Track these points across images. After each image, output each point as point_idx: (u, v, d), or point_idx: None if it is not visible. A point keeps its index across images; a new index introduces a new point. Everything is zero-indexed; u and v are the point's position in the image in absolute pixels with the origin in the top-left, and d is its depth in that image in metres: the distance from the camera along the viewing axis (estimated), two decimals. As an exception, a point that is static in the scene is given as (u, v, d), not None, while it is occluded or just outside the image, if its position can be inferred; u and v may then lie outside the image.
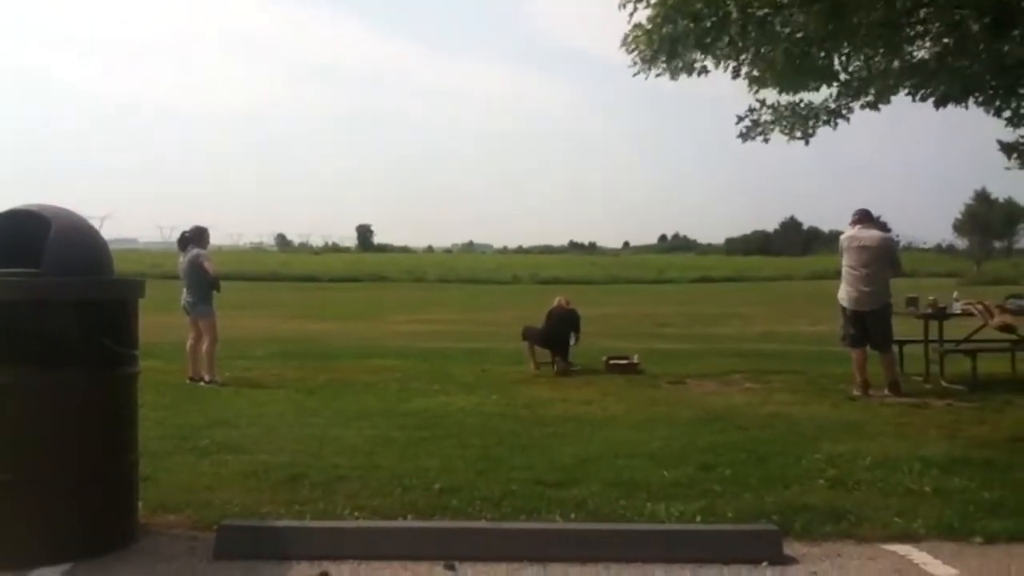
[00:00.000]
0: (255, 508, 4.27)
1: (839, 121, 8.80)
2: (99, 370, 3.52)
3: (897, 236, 9.40)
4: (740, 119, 8.93)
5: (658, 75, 7.95)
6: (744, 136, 9.01)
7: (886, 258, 8.15)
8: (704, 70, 7.89)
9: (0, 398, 3.37)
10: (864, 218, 8.30)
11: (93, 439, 3.53)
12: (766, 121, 8.89)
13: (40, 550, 3.38)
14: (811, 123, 8.83)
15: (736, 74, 8.13)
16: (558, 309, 10.28)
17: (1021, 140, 8.74)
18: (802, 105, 8.79)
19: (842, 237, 8.40)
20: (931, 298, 9.19)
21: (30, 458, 3.41)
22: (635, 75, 7.92)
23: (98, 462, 3.54)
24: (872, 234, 8.18)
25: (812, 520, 4.15)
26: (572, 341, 9.93)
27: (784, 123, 8.87)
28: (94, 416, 3.54)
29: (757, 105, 8.81)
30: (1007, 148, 8.75)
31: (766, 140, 8.94)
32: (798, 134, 8.91)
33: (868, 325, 8.10)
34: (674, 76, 7.95)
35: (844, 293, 8.28)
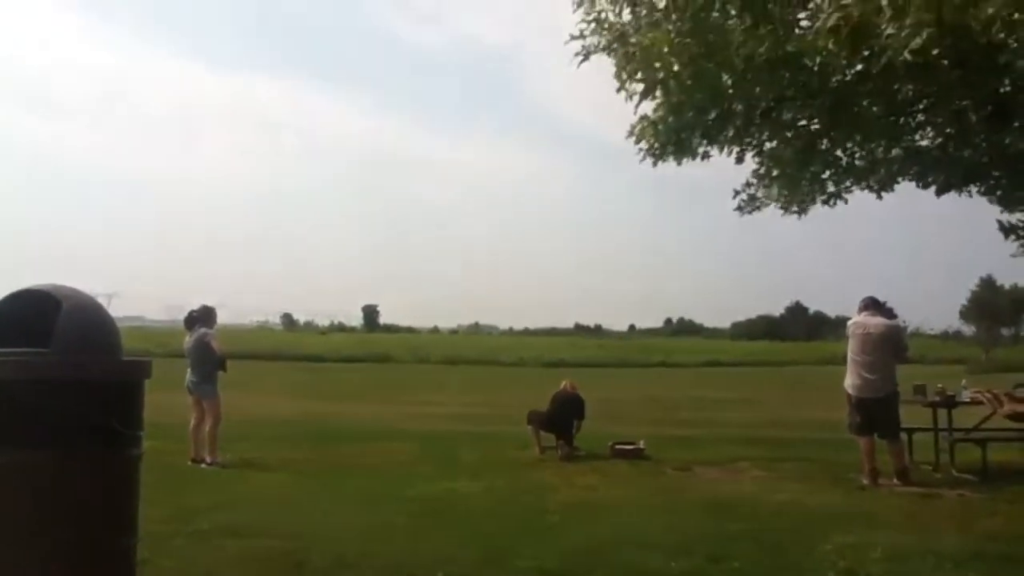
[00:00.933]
0: (254, 595, 4.19)
1: (837, 201, 8.91)
2: (104, 451, 3.50)
3: (904, 322, 9.39)
4: (737, 193, 9.06)
5: (663, 160, 8.09)
6: (741, 209, 9.13)
7: (891, 345, 8.13)
8: (706, 155, 8.04)
9: (3, 477, 3.34)
10: (870, 305, 8.33)
11: (94, 521, 3.48)
12: (763, 197, 9.02)
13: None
14: (807, 201, 8.96)
15: (740, 160, 8.27)
16: (563, 393, 10.24)
17: (1021, 223, 8.80)
18: (804, 186, 8.91)
19: (849, 324, 8.43)
20: (939, 386, 9.13)
21: (28, 538, 3.36)
22: (641, 161, 8.07)
23: (98, 545, 3.48)
24: (877, 321, 8.18)
25: (824, 614, 4.05)
26: (576, 427, 9.86)
27: (780, 200, 9.00)
28: (96, 498, 3.50)
29: (755, 180, 8.93)
30: (1007, 230, 8.81)
31: (759, 209, 9.08)
32: (794, 209, 9.04)
33: (874, 413, 8.04)
34: (678, 162, 8.11)
35: (849, 380, 8.26)
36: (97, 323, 3.74)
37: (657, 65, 6.69)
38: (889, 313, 8.48)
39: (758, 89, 6.94)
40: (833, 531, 5.84)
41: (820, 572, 4.80)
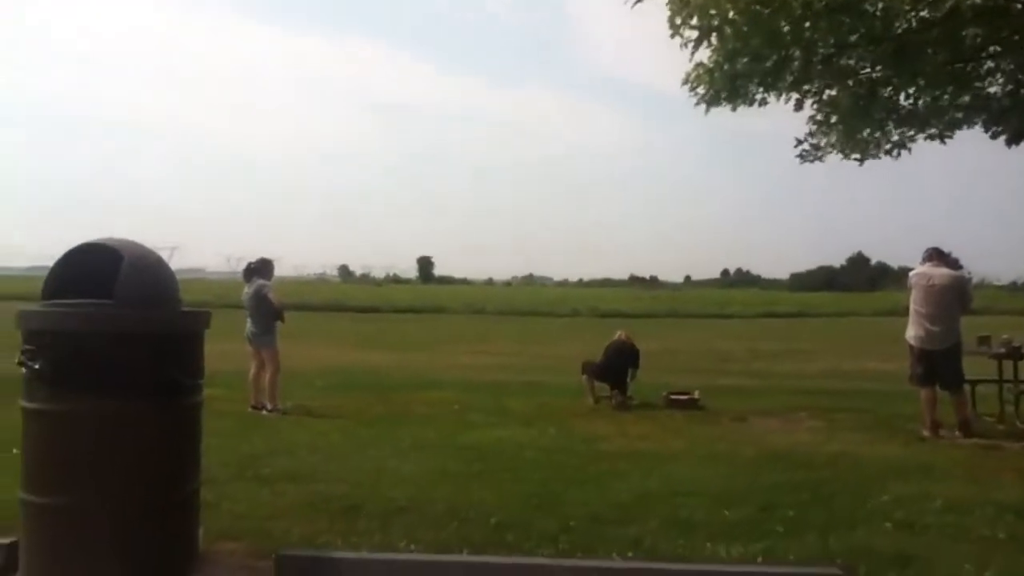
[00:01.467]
0: (313, 538, 4.31)
1: (901, 152, 8.66)
2: (166, 400, 3.60)
3: (969, 273, 9.11)
4: (799, 141, 8.85)
5: (718, 106, 7.92)
6: (803, 157, 8.93)
7: (956, 296, 7.94)
8: (764, 102, 7.84)
9: (70, 426, 3.47)
10: (935, 256, 8.13)
11: (159, 468, 3.60)
12: (826, 145, 8.80)
13: (106, 576, 3.45)
14: (871, 148, 8.72)
15: (799, 107, 8.06)
16: (617, 343, 10.22)
17: None
18: (866, 134, 8.67)
19: (911, 274, 8.23)
20: (1004, 337, 8.90)
21: (97, 486, 3.48)
22: (696, 105, 7.90)
23: (163, 490, 3.60)
24: (942, 272, 7.99)
25: (878, 565, 4.02)
26: (630, 376, 9.85)
27: (843, 147, 8.78)
28: (160, 445, 3.62)
29: (815, 128, 8.71)
30: None
31: (821, 159, 8.87)
32: (856, 156, 8.81)
33: (937, 364, 7.89)
34: (734, 108, 7.93)
35: (912, 331, 8.10)
36: (157, 276, 3.82)
37: (712, 12, 6.51)
38: (955, 264, 8.26)
39: (817, 35, 6.71)
40: (891, 482, 5.78)
41: (876, 523, 4.76)
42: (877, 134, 8.51)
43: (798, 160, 8.95)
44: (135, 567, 3.51)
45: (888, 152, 8.72)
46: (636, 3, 7.11)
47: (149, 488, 3.57)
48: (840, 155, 8.85)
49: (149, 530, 3.56)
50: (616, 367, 9.88)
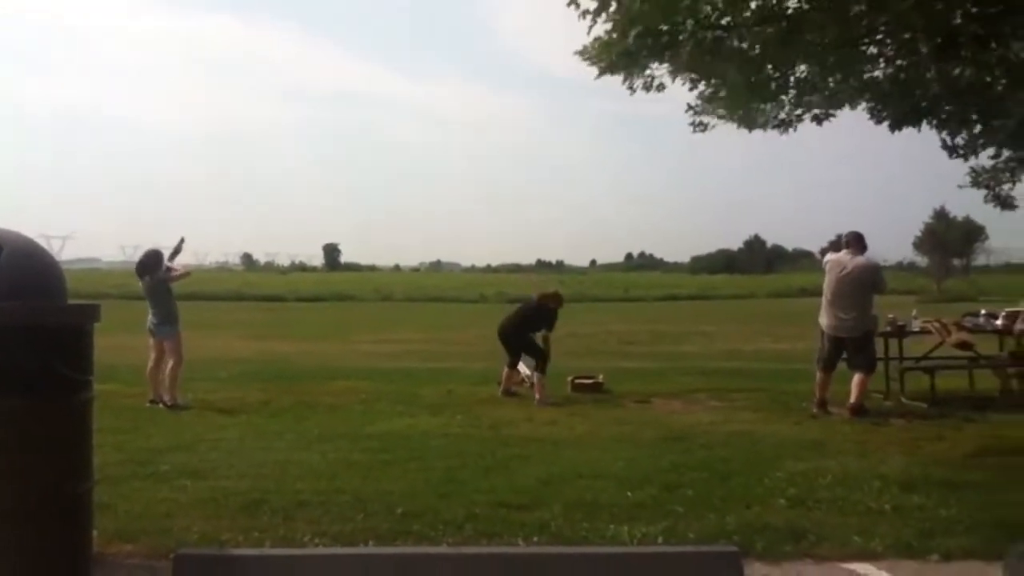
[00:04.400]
0: (214, 535, 4.22)
1: (788, 130, 8.90)
2: (52, 397, 3.45)
3: (884, 261, 9.37)
4: (691, 108, 8.90)
5: (622, 85, 7.93)
6: (694, 127, 8.98)
7: (871, 285, 8.14)
8: (661, 86, 7.95)
9: (-51, 427, 3.29)
10: (853, 242, 8.25)
11: (46, 467, 3.46)
12: (717, 112, 8.88)
13: (-11, 583, 3.30)
14: (759, 123, 8.93)
15: (694, 85, 8.18)
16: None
17: (962, 142, 8.82)
18: (754, 108, 8.83)
19: (825, 260, 8.43)
20: (890, 316, 9.33)
21: (-21, 488, 3.32)
22: (597, 78, 7.89)
23: (52, 492, 3.46)
24: (856, 261, 8.12)
25: (773, 540, 4.19)
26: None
27: (731, 119, 8.93)
28: (47, 444, 3.47)
29: (706, 102, 8.79)
30: (950, 149, 8.81)
31: (713, 127, 8.98)
32: (745, 127, 8.99)
33: (849, 351, 8.15)
34: (632, 89, 7.99)
35: (824, 319, 8.30)
36: (40, 268, 3.66)
37: None
38: (862, 244, 8.29)
39: (709, 7, 6.84)
40: (785, 459, 6.01)
41: (771, 499, 4.95)
42: (767, 106, 8.70)
43: (690, 128, 8.98)
44: (21, 573, 3.36)
45: (776, 127, 8.92)
46: None
47: (37, 490, 3.42)
48: (734, 124, 8.95)
49: (38, 534, 3.42)
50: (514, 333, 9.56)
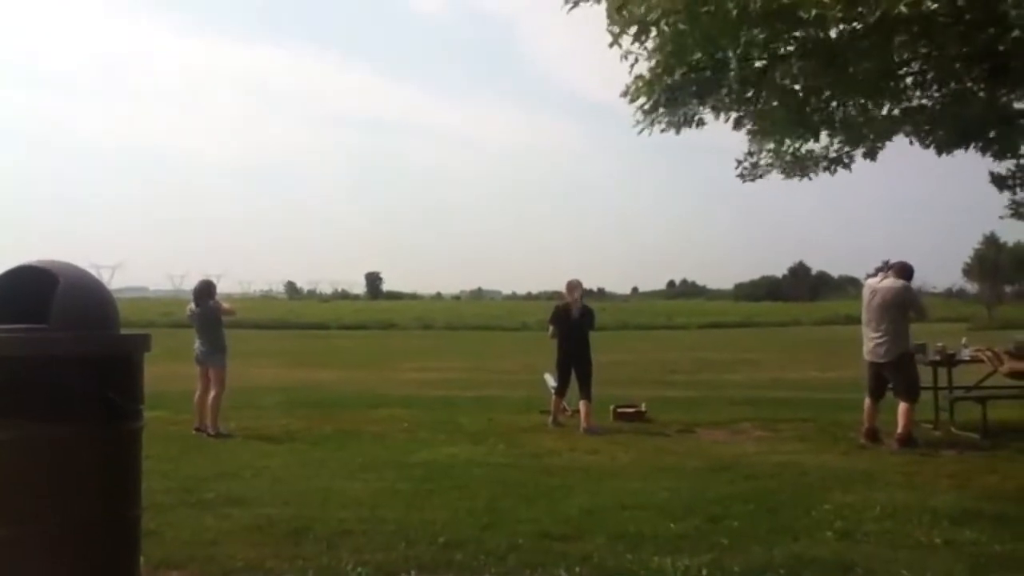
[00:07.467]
0: (259, 563, 4.25)
1: (839, 168, 8.85)
2: (103, 425, 3.52)
3: (921, 285, 9.33)
4: (739, 163, 9.02)
5: (662, 131, 7.99)
6: (743, 177, 9.10)
7: (899, 308, 7.97)
8: (701, 122, 7.97)
9: (5, 454, 3.37)
10: (895, 269, 8.13)
11: (96, 495, 3.52)
12: (765, 164, 8.99)
13: (40, 608, 3.35)
14: (810, 167, 8.90)
15: (738, 125, 8.21)
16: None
17: (1011, 172, 8.72)
18: (803, 151, 8.85)
19: (864, 287, 8.38)
20: (939, 344, 9.14)
21: (31, 514, 3.39)
22: (640, 132, 7.94)
23: (100, 518, 3.52)
24: (886, 284, 8.02)
25: (820, 573, 4.10)
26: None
27: (783, 167, 8.97)
28: (98, 471, 3.53)
29: (756, 148, 8.89)
30: (998, 181, 8.73)
31: (762, 177, 9.07)
32: (796, 176, 9.01)
33: (887, 376, 8.02)
34: (677, 130, 8.02)
35: (864, 345, 8.21)
36: (94, 298, 3.74)
37: (643, 10, 6.57)
38: (910, 273, 8.16)
39: (751, 40, 6.84)
40: (832, 491, 5.90)
41: (817, 532, 4.85)
42: (814, 149, 8.69)
43: (739, 179, 9.12)
44: (72, 599, 3.41)
45: (826, 168, 8.90)
46: (572, 8, 7.14)
47: (87, 516, 3.48)
48: (780, 174, 9.02)
49: (88, 559, 3.47)
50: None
